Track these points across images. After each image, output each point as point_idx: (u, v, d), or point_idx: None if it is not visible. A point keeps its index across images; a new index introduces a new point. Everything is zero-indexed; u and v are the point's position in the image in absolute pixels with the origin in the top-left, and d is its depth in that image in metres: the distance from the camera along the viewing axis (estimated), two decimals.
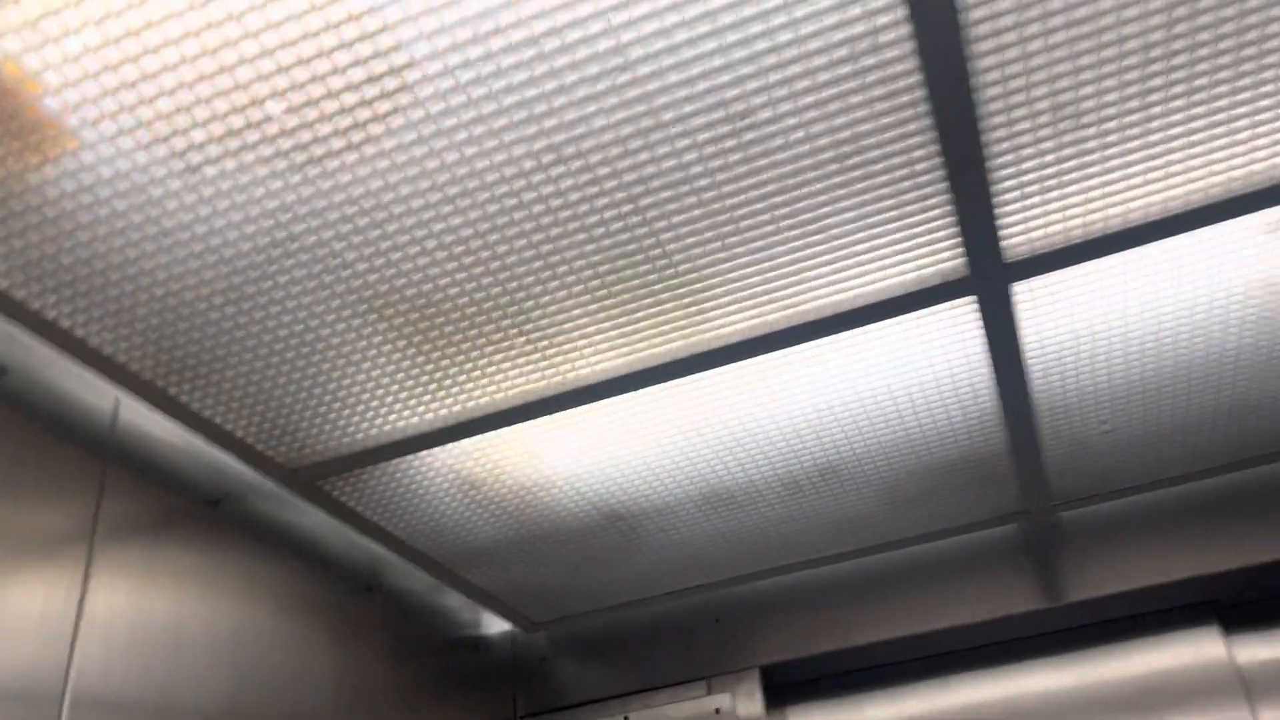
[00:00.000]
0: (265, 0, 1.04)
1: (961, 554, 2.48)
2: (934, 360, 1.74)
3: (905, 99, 1.24)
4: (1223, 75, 1.26)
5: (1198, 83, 1.26)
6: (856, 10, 1.12)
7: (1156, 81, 1.26)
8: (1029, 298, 1.61)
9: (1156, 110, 1.30)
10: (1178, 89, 1.27)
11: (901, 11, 1.13)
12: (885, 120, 1.26)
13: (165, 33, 1.06)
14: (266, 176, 1.23)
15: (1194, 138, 1.34)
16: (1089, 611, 2.43)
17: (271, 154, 1.20)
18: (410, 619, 2.35)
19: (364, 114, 1.17)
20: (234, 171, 1.22)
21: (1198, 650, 2.35)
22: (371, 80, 1.13)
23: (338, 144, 1.20)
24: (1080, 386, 1.87)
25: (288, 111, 1.15)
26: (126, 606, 1.59)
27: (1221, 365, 1.85)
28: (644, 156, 1.28)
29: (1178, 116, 1.31)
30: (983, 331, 1.66)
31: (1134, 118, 1.30)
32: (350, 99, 1.15)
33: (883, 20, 1.14)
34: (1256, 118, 1.32)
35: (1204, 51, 1.22)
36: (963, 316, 1.63)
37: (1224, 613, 2.38)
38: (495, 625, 2.72)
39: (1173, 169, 1.39)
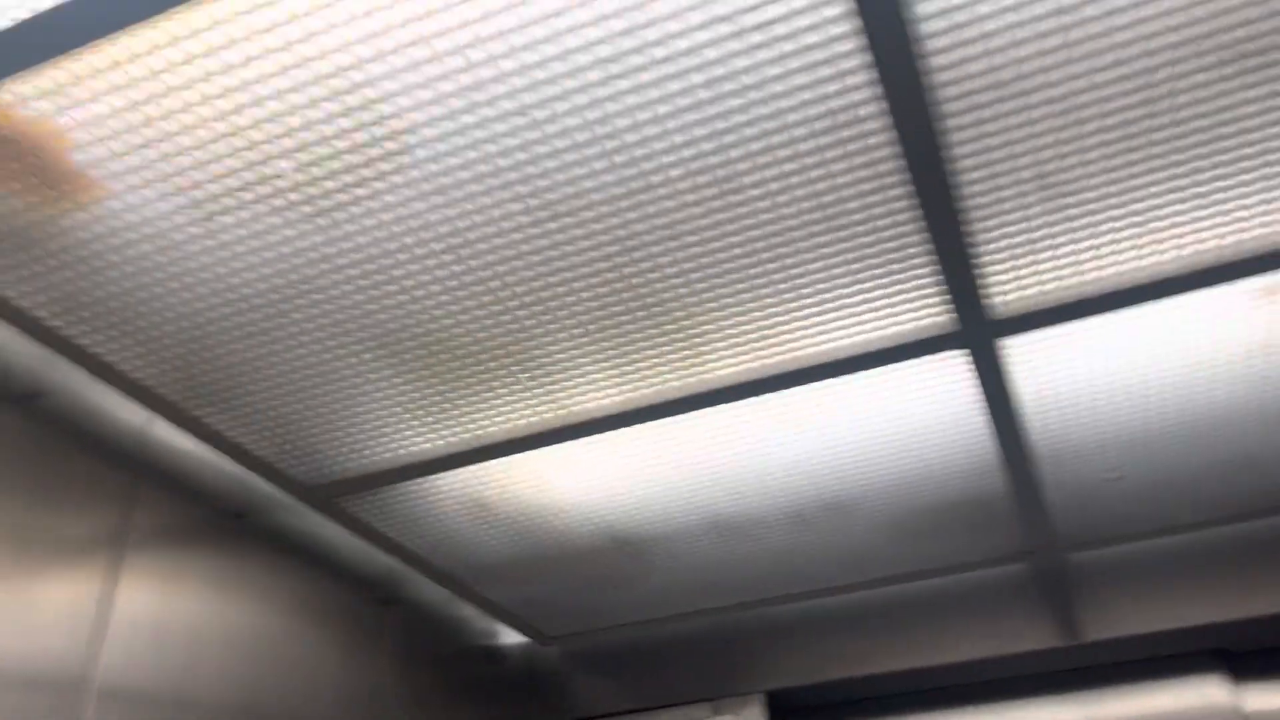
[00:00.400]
0: (275, 71, 1.12)
1: (970, 590, 2.50)
2: (930, 406, 1.77)
3: (885, 166, 1.28)
4: (1201, 150, 1.28)
5: (1176, 156, 1.29)
6: (832, 88, 1.17)
7: (1138, 155, 1.28)
8: (1021, 352, 1.64)
9: (1139, 180, 1.32)
10: (1158, 161, 1.30)
11: (878, 89, 1.17)
12: (866, 185, 1.31)
13: (183, 99, 1.15)
14: (279, 225, 1.32)
15: (1178, 207, 1.37)
16: (1096, 653, 2.43)
17: (282, 205, 1.29)
18: (426, 630, 2.43)
19: (366, 172, 1.25)
20: (248, 220, 1.31)
21: (1205, 697, 2.35)
22: (372, 142, 1.21)
23: (343, 198, 1.28)
24: (1081, 435, 1.89)
25: (296, 169, 1.23)
26: (151, 607, 1.69)
27: (1228, 421, 1.86)
28: (633, 215, 1.34)
29: (1160, 187, 1.33)
30: (976, 382, 1.69)
31: (1116, 187, 1.33)
32: (353, 158, 1.23)
33: (859, 96, 1.18)
34: (1241, 190, 1.34)
35: (1183, 129, 1.25)
36: (955, 367, 1.66)
37: (1233, 661, 2.37)
38: (510, 637, 2.80)
39: (1159, 236, 1.41)
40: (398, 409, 1.71)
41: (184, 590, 1.77)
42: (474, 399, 1.70)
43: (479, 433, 1.79)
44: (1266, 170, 1.31)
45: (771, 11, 1.09)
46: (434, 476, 1.92)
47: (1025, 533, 2.26)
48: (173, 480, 1.79)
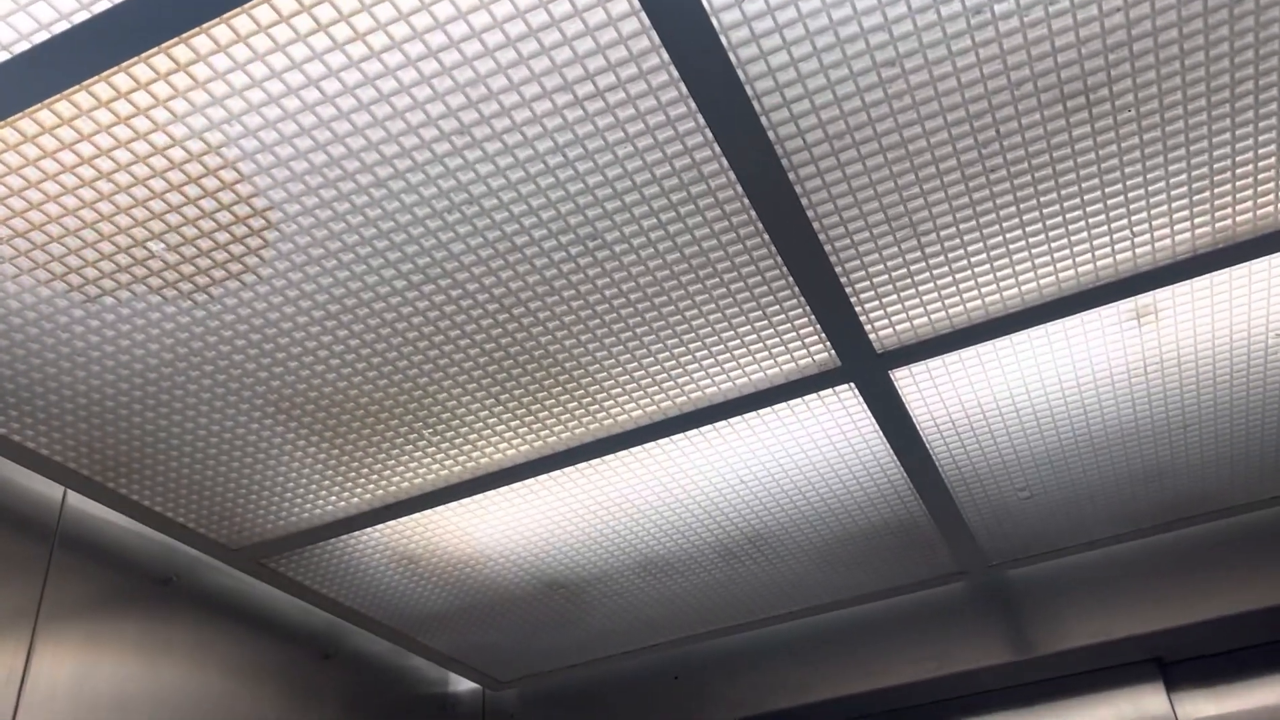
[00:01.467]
0: (131, 160, 1.16)
1: (910, 612, 2.53)
2: (832, 438, 1.81)
3: (739, 219, 1.33)
4: (1045, 186, 1.33)
5: (1021, 193, 1.34)
6: (673, 149, 1.22)
7: (980, 194, 1.33)
8: (910, 382, 1.68)
9: (988, 217, 1.37)
10: (1004, 199, 1.35)
11: (716, 148, 1.22)
12: (725, 237, 1.36)
13: (47, 190, 1.19)
14: (159, 304, 1.36)
15: (1034, 239, 1.42)
16: (1036, 668, 2.46)
17: (160, 285, 1.33)
18: (372, 682, 2.45)
19: (236, 249, 1.29)
20: (129, 300, 1.35)
21: (1141, 706, 2.37)
22: (238, 221, 1.25)
23: (218, 274, 1.32)
24: (986, 456, 1.93)
25: (167, 251, 1.28)
26: (70, 676, 1.71)
27: (1124, 436, 1.90)
28: (507, 274, 1.38)
29: (1011, 221, 1.38)
30: (868, 413, 1.73)
31: (968, 224, 1.38)
32: (222, 237, 1.27)
33: (700, 155, 1.23)
34: (1091, 220, 1.39)
35: (1021, 167, 1.30)
36: (847, 400, 1.70)
37: (1168, 669, 2.40)
38: (463, 684, 2.81)
39: (1020, 266, 1.46)
40: (308, 469, 1.74)
41: (106, 658, 1.79)
42: (383, 456, 1.73)
43: (392, 489, 1.82)
44: (1110, 201, 1.36)
45: (604, 81, 1.14)
46: (356, 533, 1.95)
47: (954, 553, 2.30)
48: (93, 550, 1.82)
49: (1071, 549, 2.37)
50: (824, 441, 1.82)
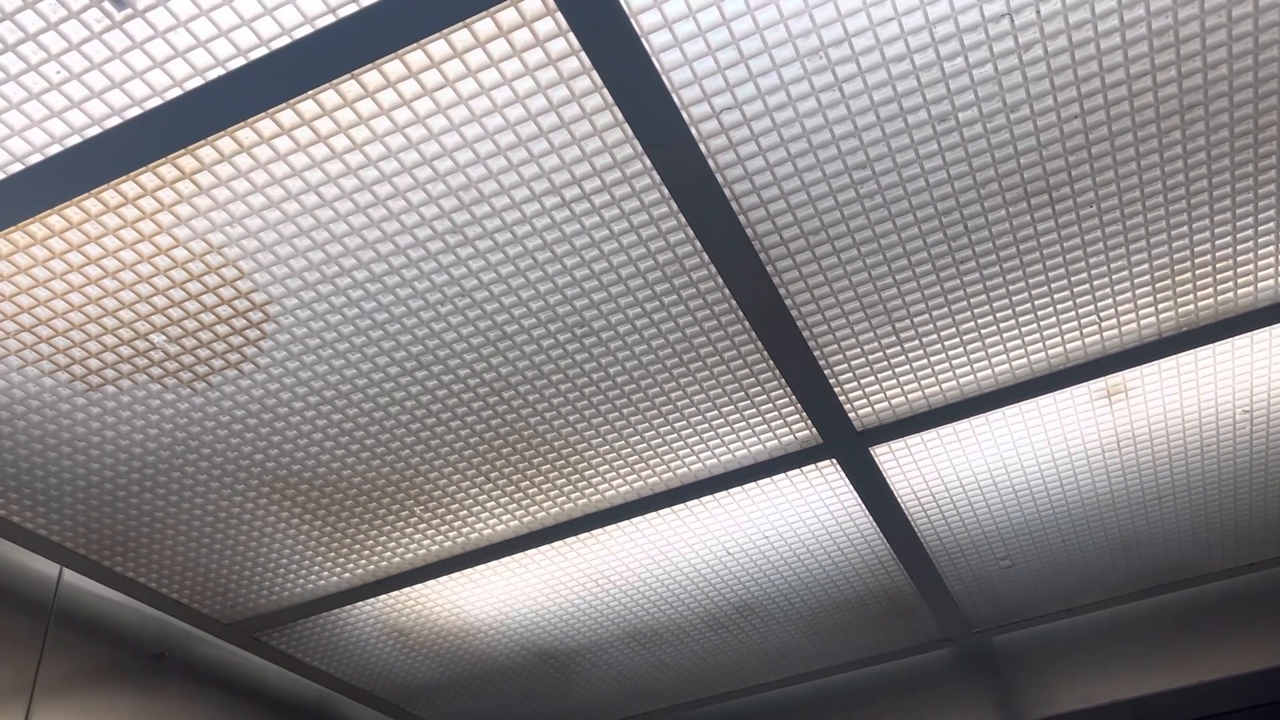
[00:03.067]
0: (135, 260, 1.21)
1: (897, 679, 2.55)
2: (816, 512, 1.85)
3: (720, 307, 1.38)
4: (1013, 275, 1.39)
5: (991, 281, 1.40)
6: (656, 244, 1.28)
7: (952, 283, 1.39)
8: (890, 458, 1.73)
9: (960, 304, 1.43)
10: (974, 287, 1.40)
11: (698, 244, 1.28)
12: (708, 324, 1.41)
13: (54, 287, 1.24)
14: (160, 392, 1.40)
15: (1005, 324, 1.47)
16: None
17: (160, 375, 1.37)
18: None
19: (236, 340, 1.34)
20: (130, 389, 1.39)
21: None
22: (237, 315, 1.30)
23: (217, 364, 1.37)
24: (967, 528, 1.97)
25: (169, 342, 1.32)
26: None
27: (1100, 507, 1.95)
28: (497, 360, 1.43)
29: (982, 308, 1.44)
30: (851, 487, 1.78)
31: (940, 310, 1.44)
32: (222, 330, 1.32)
33: (682, 250, 1.29)
34: (1059, 306, 1.45)
35: (990, 258, 1.36)
36: (830, 475, 1.75)
37: None
38: None
39: (992, 349, 1.52)
40: (301, 546, 1.78)
41: None
42: (375, 533, 1.77)
43: (384, 564, 1.85)
44: (1077, 289, 1.42)
45: (590, 185, 1.20)
46: (348, 607, 1.97)
47: (939, 621, 2.33)
48: (88, 626, 1.84)
49: (1054, 615, 2.40)
50: (808, 514, 1.86)
